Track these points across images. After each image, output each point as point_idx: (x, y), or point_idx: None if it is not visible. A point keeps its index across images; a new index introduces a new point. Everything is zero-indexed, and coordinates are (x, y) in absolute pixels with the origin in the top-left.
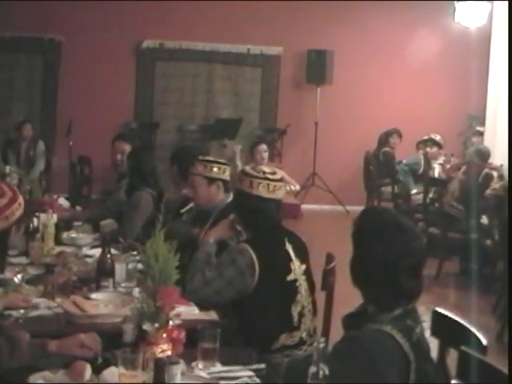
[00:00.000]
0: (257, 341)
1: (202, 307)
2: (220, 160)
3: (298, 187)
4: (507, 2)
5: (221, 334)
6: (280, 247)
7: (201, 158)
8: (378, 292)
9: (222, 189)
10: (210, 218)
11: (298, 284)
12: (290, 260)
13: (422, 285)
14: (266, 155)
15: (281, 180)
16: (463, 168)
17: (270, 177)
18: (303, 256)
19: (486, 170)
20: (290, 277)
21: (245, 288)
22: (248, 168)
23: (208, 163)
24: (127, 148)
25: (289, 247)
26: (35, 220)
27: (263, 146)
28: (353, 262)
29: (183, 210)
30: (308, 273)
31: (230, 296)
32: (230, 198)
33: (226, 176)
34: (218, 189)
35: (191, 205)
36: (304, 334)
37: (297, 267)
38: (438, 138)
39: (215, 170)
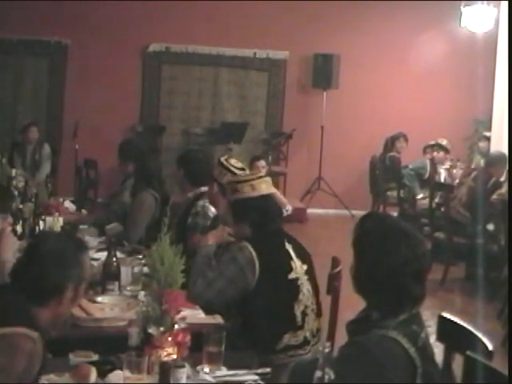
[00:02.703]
0: (261, 341)
1: (208, 311)
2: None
3: (290, 210)
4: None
5: (226, 338)
6: (280, 246)
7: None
8: (383, 298)
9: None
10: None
11: (299, 283)
12: (291, 259)
13: (426, 290)
14: (264, 171)
15: (262, 176)
16: (473, 174)
17: (251, 177)
18: (304, 257)
19: (496, 178)
20: (292, 275)
21: (246, 286)
22: (230, 177)
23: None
24: (130, 167)
25: (289, 247)
26: (41, 223)
27: (262, 162)
28: (356, 269)
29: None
30: (310, 273)
31: (233, 295)
32: None
33: None
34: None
35: (198, 207)
36: (308, 334)
37: (298, 266)
38: (444, 142)
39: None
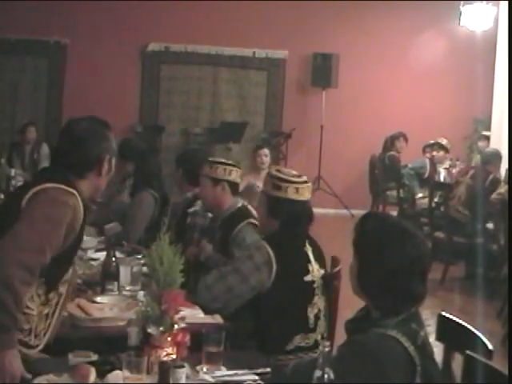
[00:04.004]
0: (271, 341)
1: (210, 310)
2: (227, 161)
3: None
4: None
5: (232, 338)
6: (299, 248)
7: (210, 159)
8: (387, 298)
9: (228, 190)
10: (220, 221)
11: (315, 286)
12: (309, 261)
13: (427, 288)
14: (266, 159)
15: (306, 182)
16: (471, 172)
17: (296, 179)
18: (322, 261)
19: (493, 175)
20: (308, 278)
21: (259, 285)
22: (274, 171)
23: (214, 164)
24: (130, 167)
25: (308, 249)
26: None
27: (264, 151)
28: (359, 270)
29: (190, 210)
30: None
31: (243, 293)
32: (240, 203)
33: (233, 178)
34: (223, 190)
35: (197, 207)
36: (319, 337)
37: (315, 270)
38: (444, 142)
39: (220, 170)
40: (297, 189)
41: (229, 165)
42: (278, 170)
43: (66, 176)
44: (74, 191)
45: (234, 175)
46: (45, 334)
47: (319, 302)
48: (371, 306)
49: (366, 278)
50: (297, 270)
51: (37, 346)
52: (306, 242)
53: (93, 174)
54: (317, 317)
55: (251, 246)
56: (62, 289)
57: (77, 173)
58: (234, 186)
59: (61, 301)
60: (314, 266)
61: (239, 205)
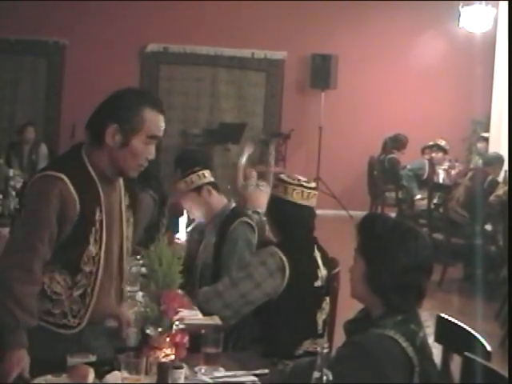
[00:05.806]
0: (280, 345)
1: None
2: (193, 169)
3: None
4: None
5: (238, 341)
6: (309, 253)
7: (176, 179)
8: (400, 296)
9: (213, 191)
10: (216, 225)
11: (323, 291)
12: (318, 267)
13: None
14: (252, 180)
15: (315, 188)
16: (469, 174)
17: (305, 184)
18: (329, 267)
19: (492, 177)
20: (317, 283)
21: (272, 291)
22: (283, 175)
23: (185, 178)
24: None
25: (317, 255)
26: None
27: (252, 173)
28: (367, 272)
29: (188, 230)
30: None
31: (256, 299)
32: (233, 204)
33: (209, 178)
34: (209, 192)
35: (196, 223)
36: (326, 343)
37: (324, 275)
38: (443, 143)
39: (194, 178)
40: (302, 192)
41: (197, 170)
42: (288, 176)
43: (75, 150)
44: (61, 175)
45: (208, 175)
46: (86, 312)
47: (327, 307)
48: (389, 307)
49: (377, 278)
50: (307, 276)
51: (78, 324)
52: (315, 247)
53: (105, 144)
54: (325, 322)
55: (263, 252)
56: (90, 268)
57: (92, 139)
58: (214, 185)
59: (97, 278)
60: (323, 272)
61: (233, 205)
